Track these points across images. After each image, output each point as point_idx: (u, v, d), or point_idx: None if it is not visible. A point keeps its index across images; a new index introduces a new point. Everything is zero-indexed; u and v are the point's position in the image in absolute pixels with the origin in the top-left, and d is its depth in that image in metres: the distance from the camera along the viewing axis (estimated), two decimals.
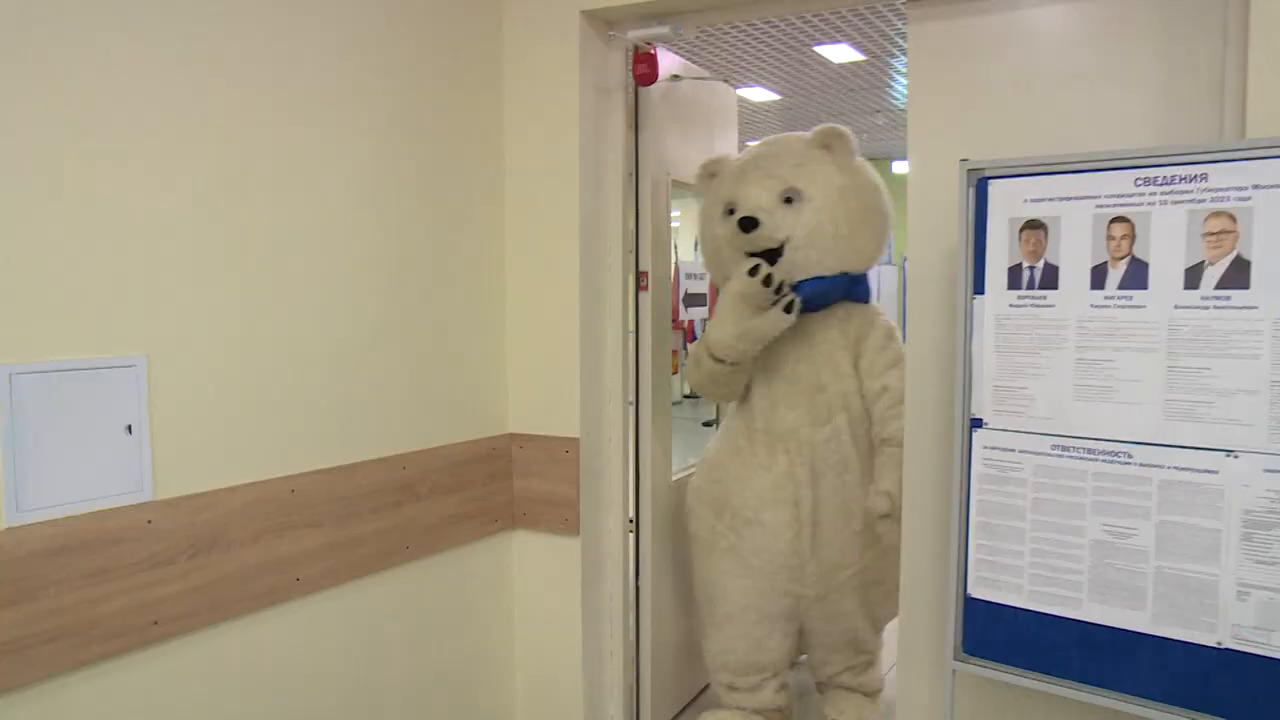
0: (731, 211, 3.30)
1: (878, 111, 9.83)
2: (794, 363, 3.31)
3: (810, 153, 3.34)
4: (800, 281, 3.23)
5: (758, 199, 3.25)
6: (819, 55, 8.11)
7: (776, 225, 3.22)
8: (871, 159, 3.59)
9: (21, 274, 1.96)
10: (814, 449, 3.26)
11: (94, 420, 2.11)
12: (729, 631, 3.39)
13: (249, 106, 2.39)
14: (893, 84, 9.32)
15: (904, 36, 3.96)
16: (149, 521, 2.20)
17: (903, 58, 8.17)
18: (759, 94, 9.64)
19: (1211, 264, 2.18)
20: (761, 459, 3.31)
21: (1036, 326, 2.43)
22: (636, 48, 3.19)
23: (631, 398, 3.40)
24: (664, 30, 3.10)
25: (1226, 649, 2.19)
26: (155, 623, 2.22)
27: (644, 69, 3.14)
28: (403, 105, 2.83)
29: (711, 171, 3.51)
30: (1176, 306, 2.23)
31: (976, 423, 2.53)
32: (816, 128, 3.38)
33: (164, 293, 2.23)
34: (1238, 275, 2.15)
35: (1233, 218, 2.15)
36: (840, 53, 7.97)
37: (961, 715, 2.73)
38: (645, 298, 3.43)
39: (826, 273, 3.27)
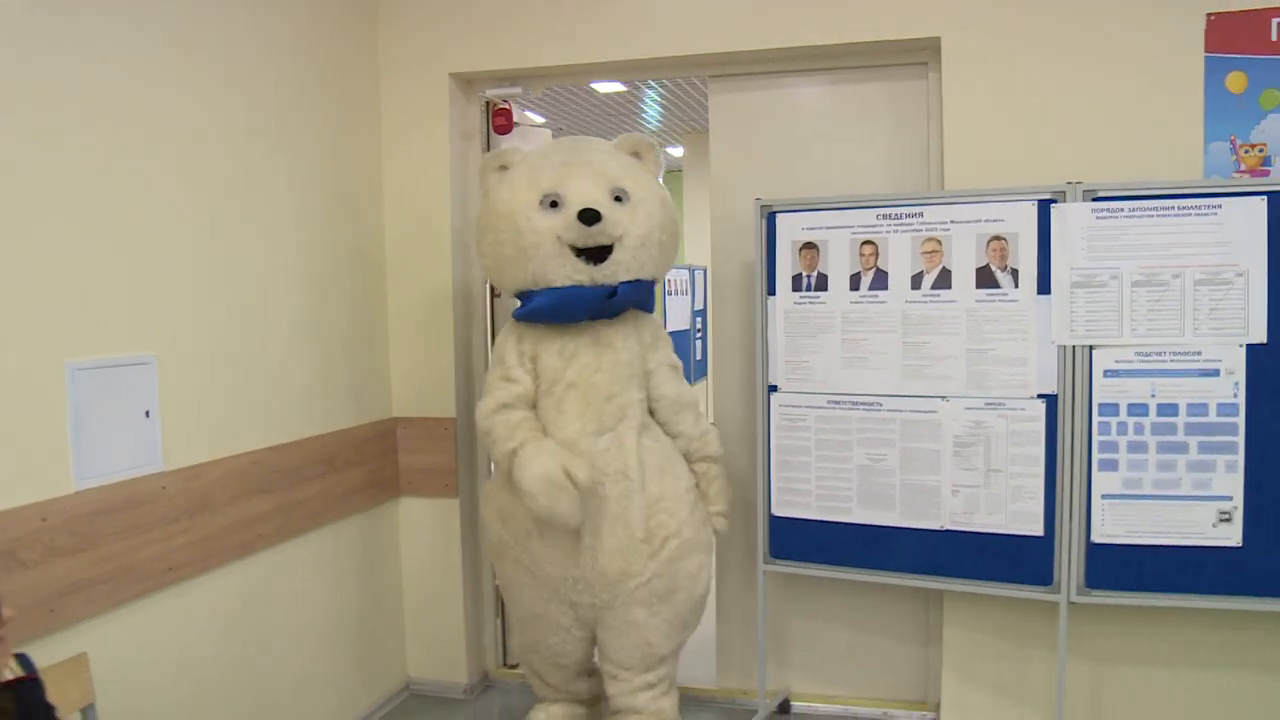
0: (555, 204, 3.09)
1: (632, 130, 10.87)
2: (592, 371, 3.16)
3: (624, 156, 3.29)
4: (622, 282, 3.15)
5: (590, 193, 3.08)
6: (591, 88, 9.02)
7: (614, 221, 3.08)
8: None
9: (73, 283, 2.50)
10: (593, 459, 3.07)
11: (123, 406, 2.67)
12: (529, 633, 3.38)
13: (233, 161, 2.99)
14: (644, 111, 10.39)
15: None
16: (163, 488, 2.78)
17: (657, 87, 9.24)
18: (528, 117, 10.45)
19: (928, 272, 3.24)
20: None
21: (813, 318, 3.42)
22: (493, 103, 3.96)
23: None
24: (516, 90, 3.90)
25: (947, 530, 3.25)
26: (170, 569, 2.80)
27: (501, 120, 3.92)
28: (306, 153, 3.45)
29: (502, 164, 3.28)
30: (907, 301, 3.27)
31: (773, 388, 3.49)
32: (622, 136, 3.36)
33: (166, 303, 2.80)
34: (944, 280, 3.21)
35: (939, 241, 3.22)
36: (607, 85, 8.91)
37: (774, 605, 3.70)
38: (499, 303, 4.19)
39: (645, 278, 3.22)
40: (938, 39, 3.42)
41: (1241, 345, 2.97)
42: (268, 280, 3.24)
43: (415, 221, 3.88)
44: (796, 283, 3.44)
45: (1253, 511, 2.98)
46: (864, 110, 3.68)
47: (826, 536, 3.41)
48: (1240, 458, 2.98)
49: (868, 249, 3.32)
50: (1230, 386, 2.98)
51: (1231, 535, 3.00)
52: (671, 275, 10.11)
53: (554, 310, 3.14)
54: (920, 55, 3.54)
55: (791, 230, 3.44)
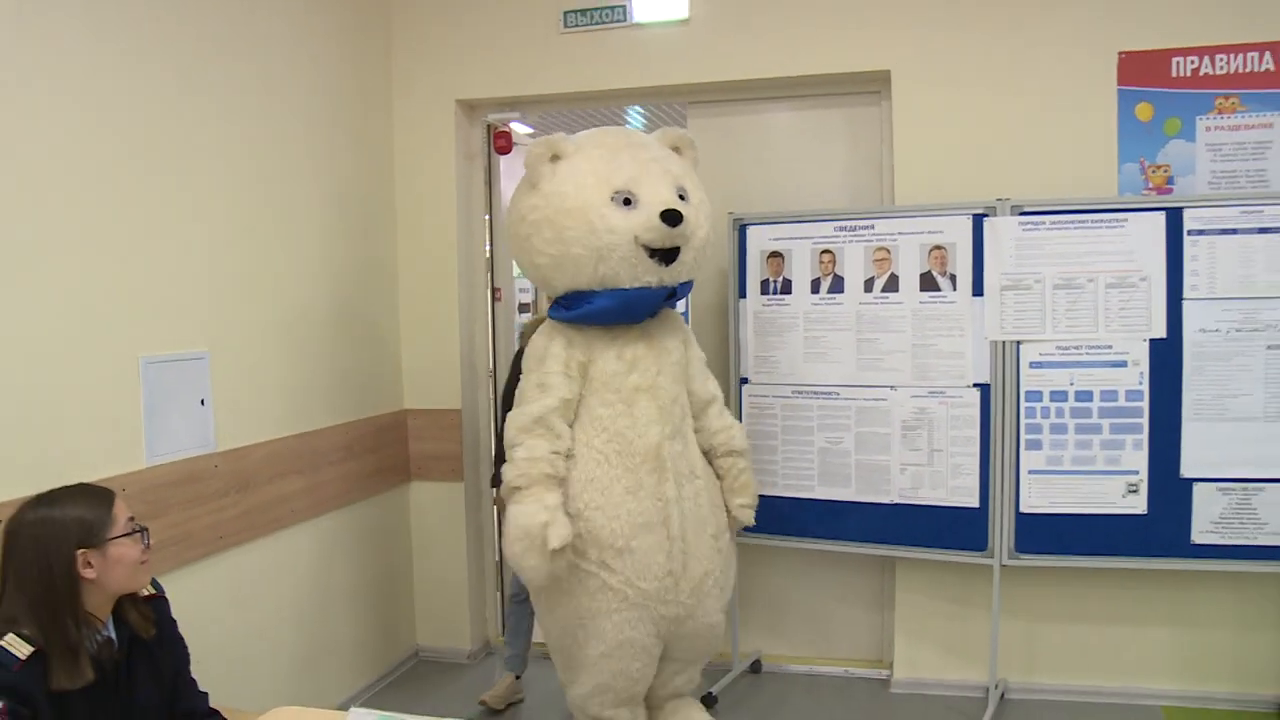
0: (628, 202, 2.94)
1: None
2: (655, 374, 3.07)
3: (670, 152, 3.20)
4: (681, 283, 3.12)
5: (665, 193, 2.97)
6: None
7: (692, 221, 3.00)
8: None
9: (144, 288, 2.92)
10: (673, 461, 3.04)
11: (183, 395, 3.09)
12: (605, 670, 3.08)
13: (269, 183, 3.43)
14: (627, 123, 10.86)
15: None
16: (215, 466, 3.20)
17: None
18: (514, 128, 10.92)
19: (878, 277, 3.70)
20: (625, 484, 2.99)
21: (779, 318, 3.88)
22: (494, 126, 4.41)
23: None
24: (515, 115, 4.35)
25: (896, 504, 3.72)
26: (220, 537, 3.22)
27: (502, 142, 4.37)
28: (329, 174, 3.87)
29: (555, 153, 3.05)
30: (860, 303, 3.74)
31: (744, 381, 3.95)
32: (662, 130, 3.25)
33: (217, 307, 3.23)
34: (892, 284, 3.68)
35: (888, 250, 3.68)
36: None
37: (742, 572, 4.15)
38: (499, 307, 4.63)
39: (693, 277, 3.20)
40: (888, 72, 3.89)
41: (1145, 340, 3.45)
42: (298, 287, 3.66)
43: (424, 233, 4.31)
44: (764, 287, 3.89)
45: (1155, 483, 3.46)
46: (825, 134, 4.15)
47: (792, 511, 3.87)
48: (1145, 437, 3.46)
49: (826, 257, 3.78)
50: (1136, 376, 3.46)
51: (1138, 504, 3.48)
52: None
53: (616, 313, 3.04)
54: (874, 85, 4.00)
55: (760, 240, 3.90)
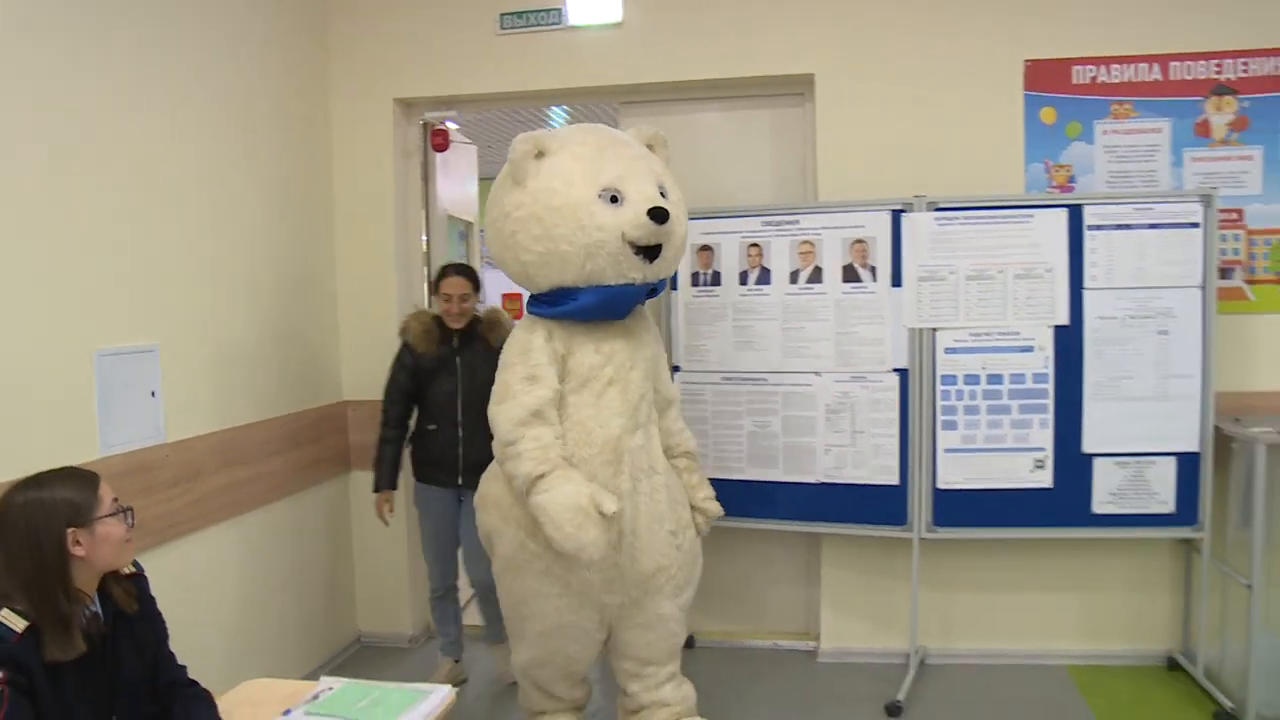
0: (615, 199, 2.97)
1: (526, 128, 11.43)
2: (629, 368, 3.09)
3: (648, 150, 3.23)
4: (660, 279, 3.16)
5: (650, 190, 3.01)
6: None
7: (675, 218, 3.04)
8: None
9: (96, 283, 2.98)
10: (631, 456, 3.04)
11: (133, 387, 3.16)
12: (542, 648, 3.22)
13: (212, 182, 3.49)
14: (550, 123, 10.98)
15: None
16: (166, 456, 3.27)
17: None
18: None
19: (803, 269, 3.92)
20: (582, 473, 2.98)
21: (709, 308, 4.07)
22: (430, 124, 4.52)
23: None
24: (451, 114, 4.47)
25: (822, 483, 3.94)
26: (171, 525, 3.29)
27: (439, 140, 4.48)
28: (270, 172, 3.94)
29: (540, 150, 3.05)
30: (786, 294, 3.95)
31: (676, 368, 4.13)
32: (637, 128, 3.27)
33: (166, 301, 3.29)
34: (816, 275, 3.90)
35: (813, 244, 3.90)
36: None
37: None
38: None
39: (671, 273, 3.27)
40: (812, 75, 4.11)
41: (1050, 327, 3.73)
42: (242, 282, 3.73)
43: (362, 228, 4.41)
44: (695, 279, 4.08)
45: (1060, 459, 3.74)
46: (752, 133, 4.36)
47: (722, 492, 3.98)
48: (1050, 416, 3.74)
49: (754, 250, 3.98)
50: (1042, 360, 3.73)
51: (1044, 479, 3.75)
52: None
53: (599, 309, 3.06)
54: (798, 88, 4.22)
55: (690, 234, 4.05)
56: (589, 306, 3.04)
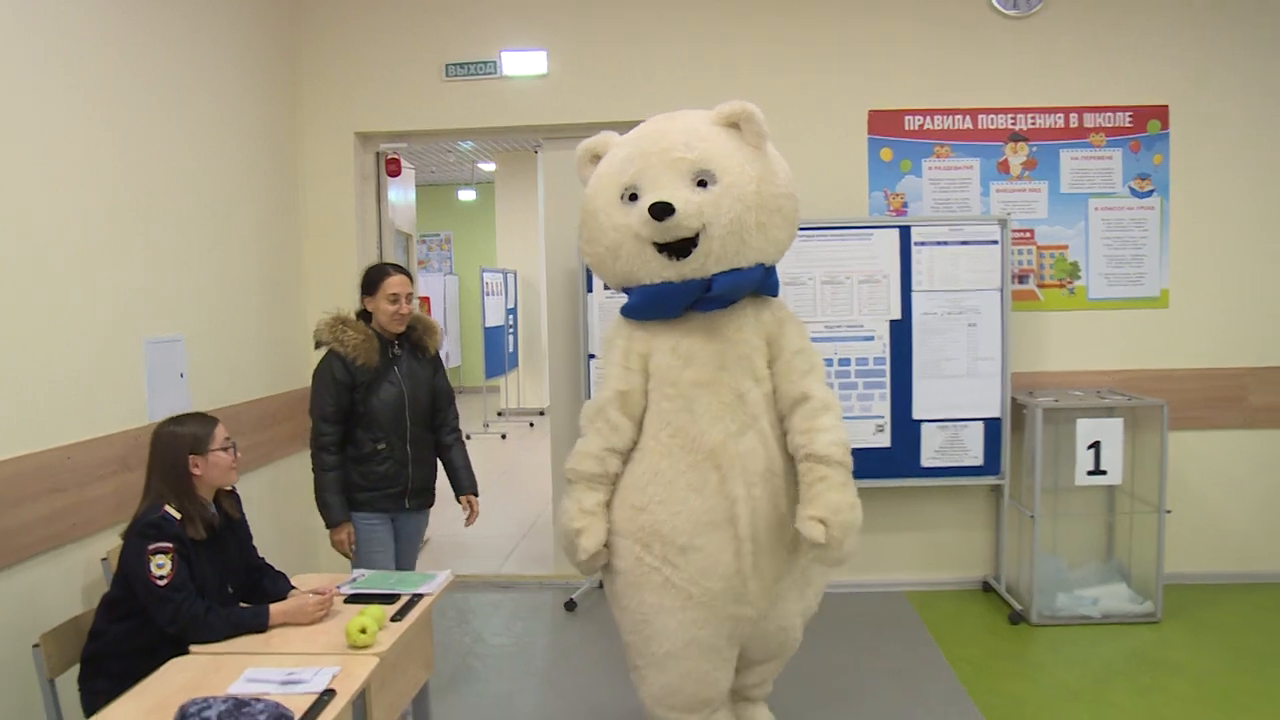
0: (634, 197, 2.89)
1: (449, 151, 12.18)
2: (714, 369, 2.90)
3: (716, 131, 2.93)
4: (716, 275, 2.87)
5: (666, 183, 2.83)
6: None
7: (691, 212, 2.78)
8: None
9: (143, 282, 3.77)
10: (741, 460, 2.87)
11: (167, 368, 3.95)
12: (672, 670, 2.99)
13: (205, 205, 4.29)
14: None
15: None
16: None
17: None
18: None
19: None
20: (688, 480, 2.88)
21: (617, 308, 4.98)
22: (384, 153, 5.38)
23: None
24: (404, 145, 5.34)
25: None
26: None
27: (393, 167, 5.34)
28: (250, 196, 4.74)
29: (595, 153, 3.07)
30: None
31: (591, 356, 5.05)
32: (721, 105, 2.97)
33: (189, 302, 4.09)
34: None
35: None
36: None
37: None
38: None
39: (745, 264, 2.91)
40: None
41: (887, 321, 4.78)
42: (235, 284, 4.54)
43: (328, 241, 5.23)
44: (606, 285, 4.98)
45: (896, 424, 4.79)
46: None
47: None
48: (888, 391, 4.79)
49: None
50: (880, 347, 4.78)
51: (884, 440, 4.80)
52: (488, 278, 11.58)
53: (647, 309, 2.98)
54: None
55: None
56: (636, 307, 3.01)
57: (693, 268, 2.84)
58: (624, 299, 3.10)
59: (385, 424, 3.60)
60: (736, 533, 2.86)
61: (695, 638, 2.94)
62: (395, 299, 3.61)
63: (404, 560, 3.82)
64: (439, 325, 3.86)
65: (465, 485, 3.90)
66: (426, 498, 3.77)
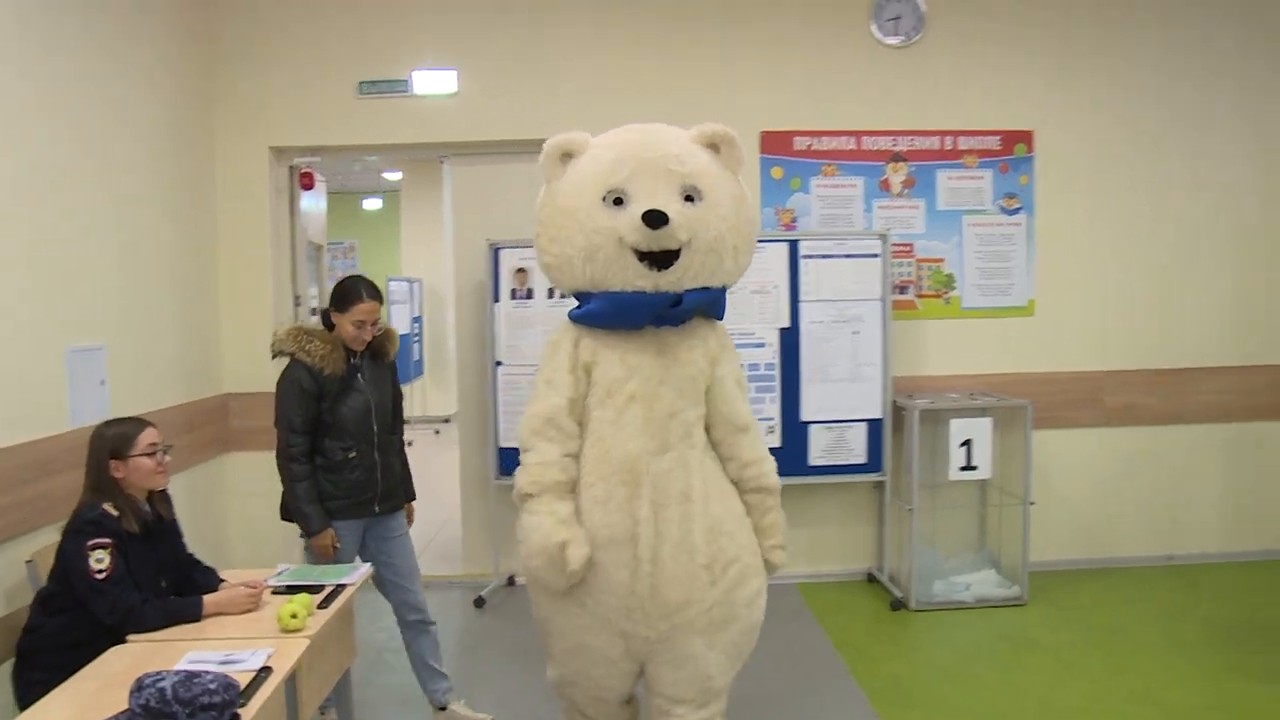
0: (619, 201, 2.87)
1: (355, 161, 12.25)
2: (656, 384, 2.90)
3: (700, 150, 2.98)
4: (688, 290, 2.91)
5: (658, 192, 2.84)
6: None
7: (682, 224, 2.81)
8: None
9: (62, 289, 3.90)
10: (654, 479, 2.85)
11: (88, 376, 4.06)
12: (570, 666, 3.09)
13: (111, 211, 4.42)
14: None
15: None
16: None
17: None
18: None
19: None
20: (595, 493, 2.88)
21: (524, 316, 5.26)
22: (297, 167, 5.54)
23: None
24: (317, 159, 5.51)
25: None
26: None
27: (306, 181, 5.51)
28: (168, 208, 4.84)
29: (567, 151, 3.04)
30: (550, 305, 5.16)
31: (499, 363, 5.29)
32: (702, 126, 3.03)
33: (113, 308, 4.22)
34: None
35: None
36: None
37: (500, 510, 5.48)
38: (300, 310, 5.72)
39: (715, 284, 2.99)
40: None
41: (777, 329, 5.12)
42: (154, 294, 4.66)
43: (242, 252, 5.36)
44: (513, 294, 5.26)
45: (785, 425, 5.14)
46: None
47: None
48: (778, 394, 5.12)
49: None
50: (771, 353, 5.12)
51: (774, 440, 5.13)
52: (394, 286, 11.66)
53: (610, 317, 2.95)
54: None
55: (510, 259, 5.27)
56: (598, 313, 2.97)
57: (670, 280, 2.87)
58: (573, 303, 3.09)
59: (354, 432, 3.61)
60: (636, 552, 2.85)
61: (587, 644, 2.99)
62: (360, 325, 3.59)
63: (403, 560, 3.85)
64: (396, 331, 3.90)
65: (407, 493, 3.96)
66: (396, 500, 3.82)
